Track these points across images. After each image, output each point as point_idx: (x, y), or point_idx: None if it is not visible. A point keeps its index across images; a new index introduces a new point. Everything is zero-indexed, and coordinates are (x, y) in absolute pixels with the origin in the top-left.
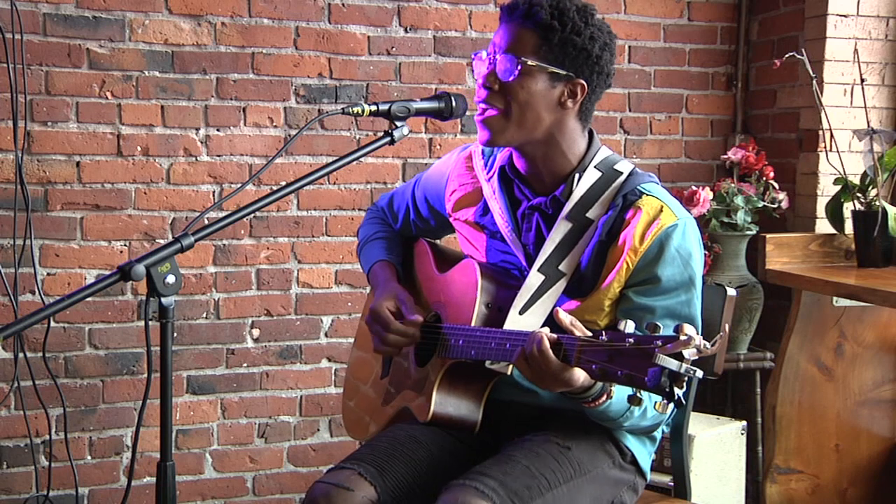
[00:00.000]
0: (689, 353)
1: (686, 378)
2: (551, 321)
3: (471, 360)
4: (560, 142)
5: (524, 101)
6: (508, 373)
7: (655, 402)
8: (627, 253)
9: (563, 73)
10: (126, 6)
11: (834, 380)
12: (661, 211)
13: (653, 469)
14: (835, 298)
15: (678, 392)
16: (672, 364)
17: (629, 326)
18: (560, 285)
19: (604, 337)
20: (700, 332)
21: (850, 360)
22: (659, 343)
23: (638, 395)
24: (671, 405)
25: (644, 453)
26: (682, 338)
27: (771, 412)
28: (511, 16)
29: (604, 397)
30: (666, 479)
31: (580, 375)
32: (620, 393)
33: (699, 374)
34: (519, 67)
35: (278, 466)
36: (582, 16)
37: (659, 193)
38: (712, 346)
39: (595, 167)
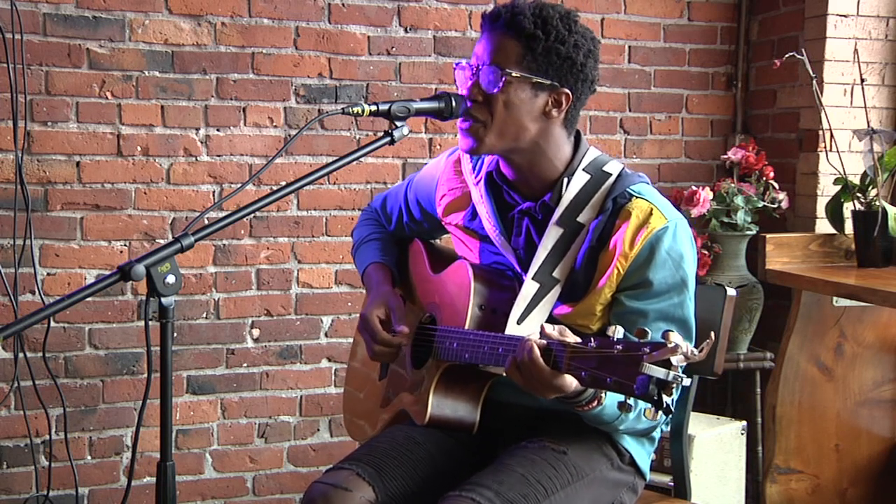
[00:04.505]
0: (676, 360)
1: (674, 385)
2: None
3: (465, 363)
4: (545, 150)
5: (507, 113)
6: (504, 374)
7: (644, 410)
8: (618, 258)
9: (548, 82)
10: (126, 6)
11: (834, 380)
12: (650, 214)
13: (653, 469)
14: (835, 298)
15: (667, 400)
16: (659, 372)
17: (618, 332)
18: (555, 292)
19: (592, 343)
20: (695, 333)
21: (850, 360)
22: (647, 350)
23: (628, 402)
24: (660, 412)
25: (643, 454)
26: (669, 345)
27: (771, 412)
28: (494, 25)
29: (595, 402)
30: (666, 479)
31: (571, 382)
32: (611, 398)
33: (687, 381)
34: (503, 79)
35: (278, 466)
36: (565, 23)
37: (649, 195)
38: (700, 352)
39: (584, 170)
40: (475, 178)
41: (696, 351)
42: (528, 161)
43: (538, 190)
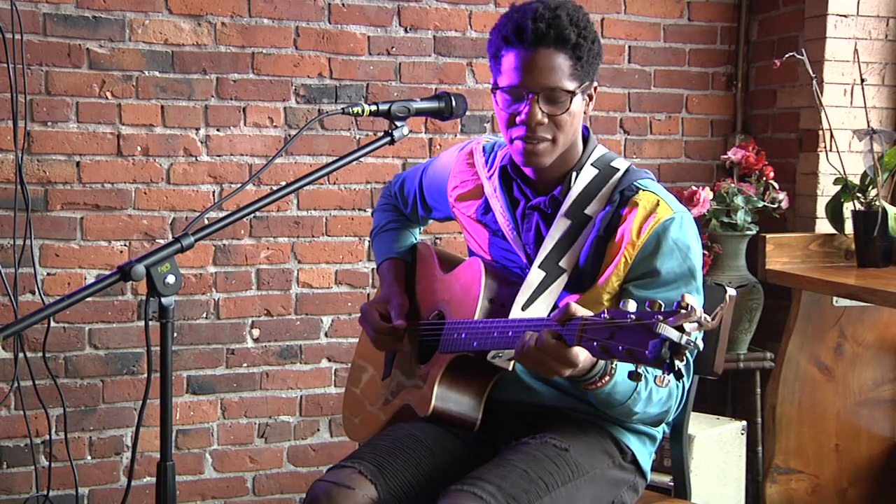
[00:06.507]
0: (690, 326)
1: (687, 349)
2: None
3: (473, 354)
4: (575, 143)
5: (570, 125)
6: (510, 368)
7: (655, 377)
8: (625, 247)
9: (588, 83)
10: (126, 6)
11: (834, 380)
12: (657, 205)
13: (653, 469)
14: (835, 298)
15: (679, 364)
16: (673, 334)
17: (631, 305)
18: (561, 281)
19: (605, 315)
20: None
21: (850, 360)
22: (660, 317)
23: (638, 370)
24: (671, 378)
25: (644, 453)
26: (683, 311)
27: (771, 412)
28: (541, 43)
29: (607, 377)
30: (666, 479)
31: (582, 352)
32: (622, 371)
33: (700, 344)
34: (570, 100)
35: (278, 466)
36: (584, 17)
37: (655, 188)
38: (713, 318)
39: (592, 165)
40: (488, 171)
41: (709, 318)
42: (561, 157)
43: (551, 185)
